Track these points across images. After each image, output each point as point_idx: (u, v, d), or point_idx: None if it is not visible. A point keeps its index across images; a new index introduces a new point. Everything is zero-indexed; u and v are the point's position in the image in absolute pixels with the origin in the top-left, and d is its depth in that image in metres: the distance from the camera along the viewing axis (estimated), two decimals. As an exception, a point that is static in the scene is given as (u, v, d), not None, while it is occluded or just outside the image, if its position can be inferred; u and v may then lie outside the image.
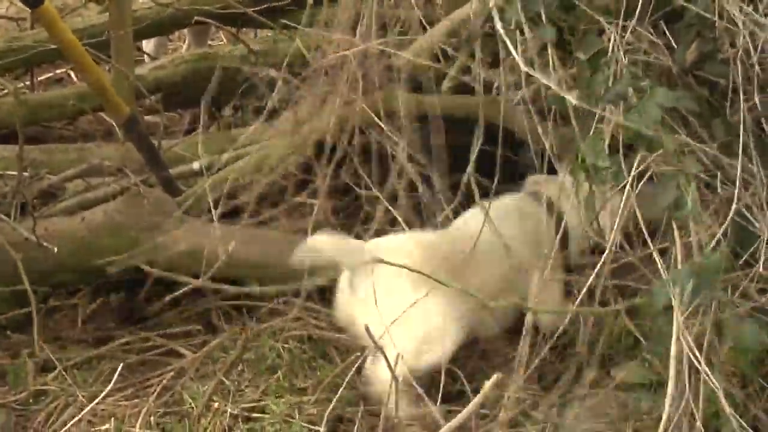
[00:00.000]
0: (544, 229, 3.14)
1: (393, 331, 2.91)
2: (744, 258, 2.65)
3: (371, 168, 3.23)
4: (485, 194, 3.15)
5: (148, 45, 5.34)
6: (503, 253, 3.08)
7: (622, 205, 2.82)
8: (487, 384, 2.73)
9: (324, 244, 3.03)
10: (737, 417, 2.57)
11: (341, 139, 3.14)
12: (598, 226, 2.96)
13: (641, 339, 2.95)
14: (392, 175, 3.09)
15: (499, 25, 2.67)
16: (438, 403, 2.95)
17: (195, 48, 5.21)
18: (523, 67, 2.57)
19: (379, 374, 2.97)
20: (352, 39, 3.07)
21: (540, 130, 2.92)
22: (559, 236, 3.07)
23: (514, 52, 2.56)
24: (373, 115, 3.07)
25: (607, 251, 2.77)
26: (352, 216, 3.48)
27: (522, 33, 2.76)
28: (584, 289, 2.85)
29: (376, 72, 3.10)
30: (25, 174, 3.89)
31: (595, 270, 2.79)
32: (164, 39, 5.48)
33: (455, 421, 2.72)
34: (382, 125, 3.07)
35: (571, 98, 2.60)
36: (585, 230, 3.10)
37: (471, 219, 3.20)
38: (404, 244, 3.09)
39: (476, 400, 2.73)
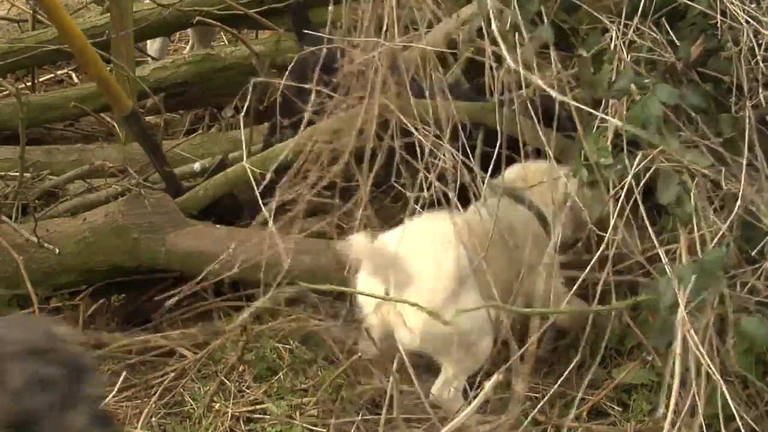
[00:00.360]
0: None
1: (445, 342, 2.89)
2: (752, 255, 2.65)
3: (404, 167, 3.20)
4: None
5: (152, 46, 5.35)
6: (506, 244, 3.06)
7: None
8: (488, 384, 2.72)
9: (364, 252, 2.94)
10: (744, 415, 2.56)
11: (379, 142, 3.10)
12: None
13: (643, 339, 2.94)
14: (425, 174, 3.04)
15: (495, 27, 2.65)
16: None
17: (199, 49, 5.21)
18: (520, 70, 2.55)
19: (445, 396, 2.98)
20: (379, 40, 3.05)
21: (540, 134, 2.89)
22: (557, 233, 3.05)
23: (508, 57, 2.53)
24: (402, 117, 3.03)
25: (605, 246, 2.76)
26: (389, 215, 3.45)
27: (520, 34, 2.74)
28: (576, 285, 2.83)
29: (402, 72, 3.08)
30: (27, 175, 3.89)
31: (589, 265, 2.78)
32: (167, 40, 5.49)
33: (457, 420, 2.70)
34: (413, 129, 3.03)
35: (568, 99, 2.58)
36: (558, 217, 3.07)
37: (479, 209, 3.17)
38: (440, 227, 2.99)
39: (477, 401, 2.72)
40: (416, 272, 2.90)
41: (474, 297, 2.93)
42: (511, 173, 3.14)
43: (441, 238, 2.97)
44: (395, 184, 3.18)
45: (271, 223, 2.95)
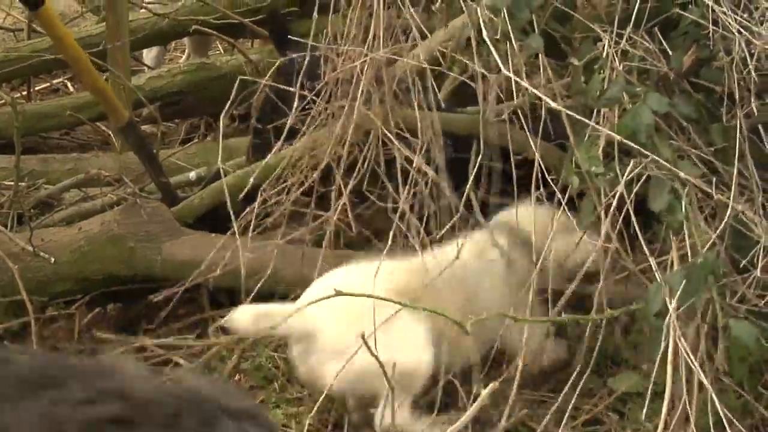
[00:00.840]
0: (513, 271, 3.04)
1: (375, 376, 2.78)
2: (742, 264, 2.66)
3: (381, 178, 3.20)
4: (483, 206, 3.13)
5: (148, 55, 5.36)
6: (460, 286, 3.00)
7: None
8: (484, 392, 2.72)
9: (245, 322, 2.90)
10: (736, 422, 2.56)
11: (360, 151, 3.11)
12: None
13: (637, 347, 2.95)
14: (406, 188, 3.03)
15: (486, 37, 2.66)
16: (435, 413, 2.94)
17: (195, 58, 5.22)
18: (513, 77, 2.57)
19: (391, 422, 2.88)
20: (362, 50, 3.06)
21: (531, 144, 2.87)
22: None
23: (500, 63, 2.55)
24: (386, 131, 3.03)
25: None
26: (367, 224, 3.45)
27: (511, 43, 2.74)
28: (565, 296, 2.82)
29: (387, 82, 3.09)
30: (22, 184, 3.89)
31: (578, 277, 2.78)
32: (163, 49, 5.50)
33: (452, 429, 2.70)
34: (394, 140, 3.03)
35: (559, 107, 2.59)
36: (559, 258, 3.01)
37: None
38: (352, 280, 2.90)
39: (472, 409, 2.72)
40: (319, 323, 2.84)
41: (409, 325, 2.85)
42: (508, 215, 3.08)
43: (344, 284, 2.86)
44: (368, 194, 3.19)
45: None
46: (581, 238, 2.96)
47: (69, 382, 1.44)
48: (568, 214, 2.93)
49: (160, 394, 1.46)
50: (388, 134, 3.04)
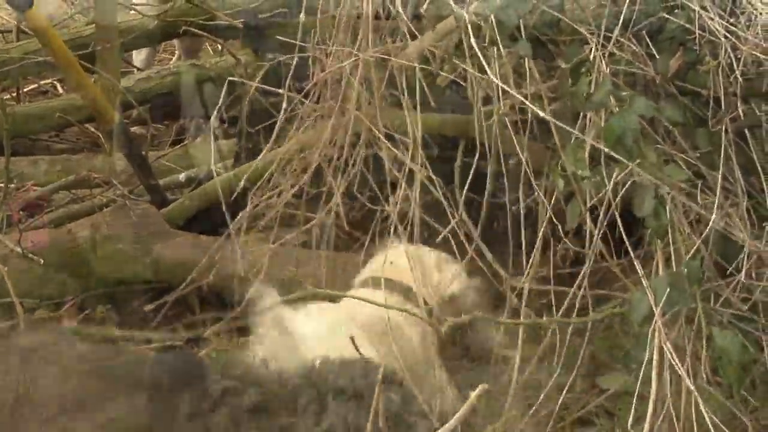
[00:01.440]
0: None
1: None
2: (729, 270, 2.67)
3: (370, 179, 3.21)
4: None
5: (138, 57, 5.36)
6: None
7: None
8: (473, 394, 2.72)
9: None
10: (720, 424, 2.58)
11: (351, 153, 3.11)
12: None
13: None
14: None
15: (473, 43, 2.67)
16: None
17: (185, 60, 5.22)
18: (498, 83, 2.58)
19: None
20: (352, 50, 3.07)
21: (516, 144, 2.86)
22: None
23: (488, 71, 2.56)
24: (377, 132, 3.04)
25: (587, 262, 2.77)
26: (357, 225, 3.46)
27: (498, 48, 2.75)
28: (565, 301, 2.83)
29: (376, 82, 3.10)
30: (12, 186, 3.89)
31: (577, 282, 2.79)
32: (153, 51, 5.50)
33: (446, 427, 2.70)
34: (385, 141, 3.04)
35: (545, 114, 2.60)
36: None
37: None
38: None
39: (463, 410, 2.72)
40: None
41: None
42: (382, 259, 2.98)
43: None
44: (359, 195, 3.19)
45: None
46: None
47: (207, 377, 1.47)
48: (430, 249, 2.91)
49: (285, 382, 1.48)
50: (378, 134, 3.04)
